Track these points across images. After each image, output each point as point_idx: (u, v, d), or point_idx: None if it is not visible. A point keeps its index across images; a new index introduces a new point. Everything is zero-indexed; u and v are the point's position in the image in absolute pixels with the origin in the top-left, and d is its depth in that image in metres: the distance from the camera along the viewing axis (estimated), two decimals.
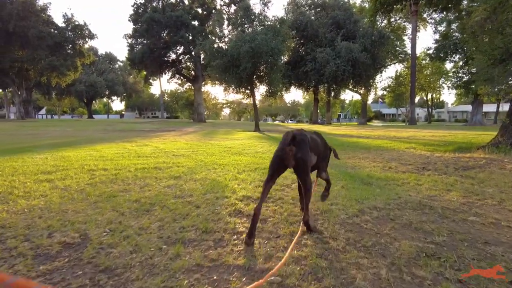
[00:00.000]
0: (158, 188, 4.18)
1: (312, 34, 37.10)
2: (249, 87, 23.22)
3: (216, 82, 24.45)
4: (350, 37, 36.91)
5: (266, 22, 22.45)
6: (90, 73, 64.02)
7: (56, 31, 36.72)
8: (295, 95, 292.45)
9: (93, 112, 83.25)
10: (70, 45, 38.01)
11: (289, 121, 79.40)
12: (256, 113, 24.83)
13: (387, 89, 53.01)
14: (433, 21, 42.74)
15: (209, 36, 25.21)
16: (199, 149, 8.99)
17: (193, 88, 43.41)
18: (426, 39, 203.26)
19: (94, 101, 79.27)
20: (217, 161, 6.39)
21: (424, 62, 48.44)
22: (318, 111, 47.62)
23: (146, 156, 7.10)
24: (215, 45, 22.31)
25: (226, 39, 23.02)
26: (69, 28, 38.47)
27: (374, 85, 44.64)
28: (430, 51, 38.97)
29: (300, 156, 2.51)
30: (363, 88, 41.79)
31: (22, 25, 32.67)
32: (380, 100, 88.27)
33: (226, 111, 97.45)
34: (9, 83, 38.36)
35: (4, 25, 32.05)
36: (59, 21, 38.68)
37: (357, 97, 56.88)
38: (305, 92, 52.04)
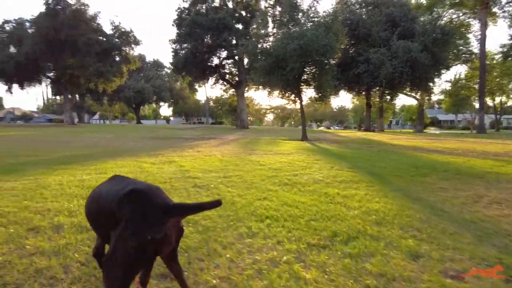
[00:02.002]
0: None
1: (365, 33, 33.88)
2: (295, 91, 20.72)
3: (260, 86, 22.31)
4: (408, 35, 33.02)
5: (315, 19, 19.88)
6: (138, 80, 65.66)
7: (104, 39, 37.24)
8: (342, 99, 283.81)
9: (142, 117, 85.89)
10: (117, 52, 38.34)
11: (336, 127, 75.18)
12: (304, 120, 22.24)
13: (447, 93, 47.38)
14: (506, 14, 37.36)
15: (253, 37, 23.27)
16: (234, 172, 6.69)
17: (236, 93, 41.88)
18: (493, 37, 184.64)
19: (142, 107, 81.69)
20: (257, 205, 3.98)
21: (493, 61, 42.66)
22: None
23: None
24: (259, 45, 20.14)
25: (271, 38, 20.79)
26: (116, 35, 38.91)
27: (433, 89, 39.83)
28: (505, 49, 33.62)
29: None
30: (420, 92, 37.49)
31: (73, 33, 33.36)
32: (436, 105, 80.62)
33: (270, 117, 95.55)
34: (62, 89, 39.67)
35: (57, 34, 32.93)
36: (107, 28, 39.08)
37: (411, 102, 51.74)
38: (356, 96, 48.28)
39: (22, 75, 35.35)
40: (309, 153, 11.08)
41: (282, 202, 4.14)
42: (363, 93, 38.73)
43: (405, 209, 3.92)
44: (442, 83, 77.19)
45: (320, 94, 21.83)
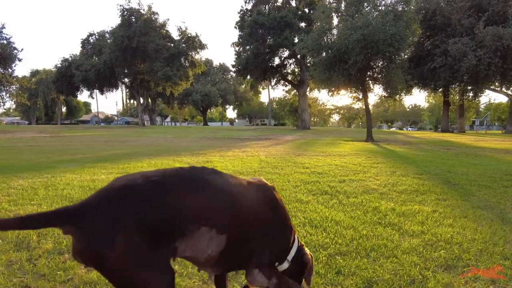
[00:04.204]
0: None
1: (443, 23, 30.06)
2: (359, 87, 18.86)
3: (320, 84, 20.86)
4: (498, 20, 28.31)
5: (382, 7, 17.87)
6: (205, 84, 68.26)
7: (171, 44, 39.14)
8: (416, 98, 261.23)
9: (209, 119, 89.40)
10: (183, 56, 39.98)
11: (409, 128, 68.61)
12: (369, 118, 20.16)
13: None
14: None
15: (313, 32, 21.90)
16: (267, 175, 5.72)
17: (298, 93, 40.67)
18: None
19: (209, 110, 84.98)
20: None
21: None
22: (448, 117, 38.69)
23: None
24: (319, 40, 18.75)
25: (333, 31, 19.26)
26: (183, 40, 40.64)
27: None
28: None
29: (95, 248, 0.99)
30: None
31: (143, 40, 35.67)
32: None
33: (335, 118, 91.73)
34: (134, 94, 42.81)
35: (130, 42, 35.51)
36: (175, 34, 41.02)
37: (501, 98, 44.46)
38: (431, 94, 43.39)
39: (102, 81, 38.97)
40: (369, 155, 9.56)
41: (307, 220, 3.04)
42: (440, 90, 34.47)
43: (497, 240, 2.55)
44: None
45: (389, 91, 19.64)
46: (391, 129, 65.94)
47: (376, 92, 20.47)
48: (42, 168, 6.07)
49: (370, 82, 19.35)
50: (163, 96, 56.63)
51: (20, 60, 25.88)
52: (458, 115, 37.73)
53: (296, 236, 1.54)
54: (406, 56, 22.92)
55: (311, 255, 1.58)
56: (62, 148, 11.05)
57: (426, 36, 32.46)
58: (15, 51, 24.77)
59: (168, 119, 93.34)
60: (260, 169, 6.34)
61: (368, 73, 18.56)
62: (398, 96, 23.22)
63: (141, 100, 42.08)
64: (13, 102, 58.02)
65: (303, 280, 1.55)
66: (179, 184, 1.14)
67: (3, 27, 24.75)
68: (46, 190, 4.25)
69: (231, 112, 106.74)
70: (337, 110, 77.57)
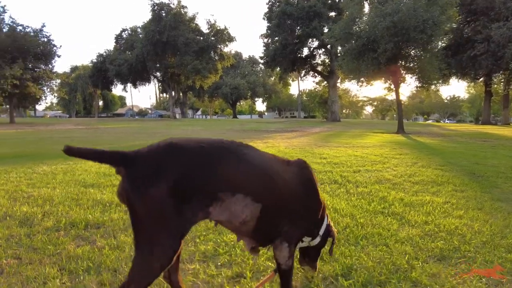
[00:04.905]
0: None
1: (485, 6, 28.01)
2: (390, 77, 18.11)
3: (349, 74, 20.25)
4: None
5: None
6: (235, 77, 68.60)
7: (201, 37, 39.57)
8: (454, 88, 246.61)
9: (239, 112, 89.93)
10: (212, 50, 40.30)
11: (447, 121, 64.91)
12: (400, 109, 19.37)
13: None
14: None
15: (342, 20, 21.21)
16: None
17: (327, 84, 39.82)
18: None
19: (238, 103, 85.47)
20: None
21: None
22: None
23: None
24: (348, 28, 18.13)
25: (363, 19, 18.55)
26: (212, 33, 40.95)
27: None
28: None
29: (130, 193, 1.12)
30: None
31: (173, 34, 36.34)
32: None
33: (368, 110, 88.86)
34: (165, 87, 43.94)
35: (160, 37, 36.34)
36: (203, 27, 41.35)
37: None
38: (471, 84, 40.81)
39: (134, 75, 40.28)
40: (395, 147, 9.18)
41: None
42: (481, 79, 32.29)
43: (507, 233, 2.35)
44: None
45: (422, 81, 18.70)
46: (427, 122, 62.96)
47: (409, 82, 19.37)
48: (67, 156, 6.39)
49: (402, 71, 18.47)
50: (194, 90, 57.64)
51: (59, 56, 27.27)
52: (503, 106, 35.21)
53: (326, 213, 1.66)
54: (442, 44, 21.66)
55: (336, 230, 1.74)
56: (92, 139, 11.62)
57: (466, 21, 30.42)
58: (54, 48, 26.20)
59: (199, 112, 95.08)
60: None
61: (399, 62, 17.71)
62: (434, 86, 22.08)
63: (172, 94, 43.09)
64: (53, 97, 61.82)
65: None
66: (222, 153, 1.25)
67: (43, 26, 26.19)
68: (64, 175, 4.48)
69: (260, 105, 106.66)
70: (370, 101, 75.00)
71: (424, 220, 2.65)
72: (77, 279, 1.68)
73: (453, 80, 34.47)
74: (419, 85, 19.10)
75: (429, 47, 16.90)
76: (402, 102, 52.58)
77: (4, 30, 24.52)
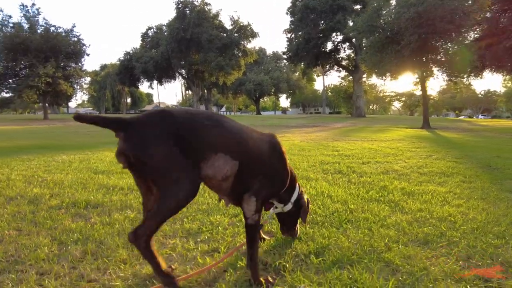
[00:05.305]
0: None
1: None
2: (415, 70, 17.51)
3: (372, 67, 19.73)
4: None
5: None
6: (258, 73, 68.56)
7: (224, 34, 39.86)
8: (489, 82, 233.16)
9: (262, 109, 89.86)
10: (236, 46, 40.48)
11: (480, 116, 61.62)
12: (426, 104, 18.70)
13: None
14: None
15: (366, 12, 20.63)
16: (295, 155, 5.68)
17: (352, 79, 38.99)
18: None
19: (262, 99, 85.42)
20: None
21: None
22: None
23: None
24: (370, 21, 17.67)
25: (386, 11, 18.00)
26: (235, 29, 41.13)
27: None
28: None
29: (131, 150, 1.36)
30: None
31: (197, 31, 36.84)
32: None
33: (396, 105, 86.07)
34: (189, 84, 44.69)
35: (184, 33, 36.96)
36: (227, 24, 41.56)
37: None
38: (507, 77, 38.54)
39: (160, 72, 41.25)
40: (414, 141, 8.91)
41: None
42: None
43: (502, 221, 2.26)
44: None
45: (450, 74, 17.93)
46: (459, 117, 60.17)
47: (436, 75, 18.58)
48: (87, 147, 6.74)
49: (430, 64, 17.76)
50: (218, 86, 58.20)
51: (88, 55, 28.46)
52: None
53: (298, 184, 1.90)
54: (474, 34, 20.65)
55: (308, 199, 1.93)
56: (110, 134, 12.06)
57: (502, 10, 28.68)
58: (84, 47, 27.38)
59: (223, 108, 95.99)
60: (287, 151, 6.29)
61: (426, 55, 17.06)
62: (465, 79, 21.14)
63: (196, 90, 43.78)
64: (82, 94, 64.55)
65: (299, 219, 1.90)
66: (206, 121, 1.46)
67: (73, 27, 27.41)
68: (80, 163, 4.74)
69: (284, 101, 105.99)
70: (398, 97, 72.59)
71: (418, 207, 2.59)
72: (64, 248, 1.81)
73: (487, 73, 32.62)
74: (446, 78, 18.32)
75: (460, 39, 16.17)
76: (432, 97, 50.47)
77: (39, 31, 25.90)
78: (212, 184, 1.52)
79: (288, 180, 1.75)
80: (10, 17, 26.03)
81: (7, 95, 30.08)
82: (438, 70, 18.14)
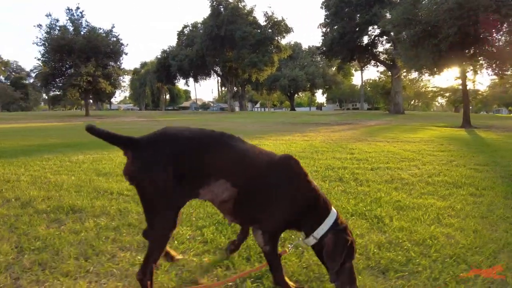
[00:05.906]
0: None
1: None
2: (454, 64, 16.34)
3: (407, 62, 18.71)
4: None
5: None
6: (293, 68, 67.74)
7: (258, 30, 39.81)
8: None
9: (298, 105, 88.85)
10: (269, 42, 40.29)
11: None
12: (466, 100, 17.47)
13: None
14: None
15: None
16: (305, 158, 5.52)
17: (391, 74, 37.30)
18: None
19: (297, 94, 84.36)
20: None
21: None
22: None
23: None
24: (406, 13, 16.71)
25: (423, 2, 16.92)
26: (269, 25, 40.93)
27: None
28: None
29: (136, 173, 1.39)
30: None
31: (231, 28, 37.18)
32: None
33: (440, 101, 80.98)
34: (224, 81, 45.30)
35: (218, 31, 37.46)
36: (261, 20, 41.44)
37: None
38: None
39: (195, 70, 42.30)
40: (443, 142, 8.33)
41: None
42: None
43: (490, 246, 2.02)
44: None
45: (496, 69, 16.53)
46: (511, 114, 55.24)
47: (480, 70, 17.20)
48: (107, 146, 7.02)
49: (477, 57, 16.48)
50: (252, 83, 58.45)
51: (126, 54, 29.88)
52: None
53: (335, 215, 1.54)
54: None
55: (348, 239, 1.45)
56: (142, 130, 12.54)
57: None
58: (122, 46, 28.76)
59: (258, 105, 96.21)
60: (299, 153, 6.16)
61: (468, 48, 15.84)
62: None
63: (230, 87, 44.28)
64: (121, 91, 67.91)
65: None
66: (209, 143, 1.46)
67: (113, 27, 28.89)
68: (91, 164, 4.96)
69: (320, 97, 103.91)
70: (441, 92, 68.18)
71: (401, 226, 2.40)
72: (20, 257, 1.89)
73: None
74: (491, 73, 16.92)
75: (508, 30, 14.83)
76: (480, 92, 46.60)
77: (82, 33, 27.59)
78: (213, 204, 1.55)
79: (308, 207, 1.51)
80: (58, 20, 27.96)
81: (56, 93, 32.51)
82: (483, 65, 16.82)
